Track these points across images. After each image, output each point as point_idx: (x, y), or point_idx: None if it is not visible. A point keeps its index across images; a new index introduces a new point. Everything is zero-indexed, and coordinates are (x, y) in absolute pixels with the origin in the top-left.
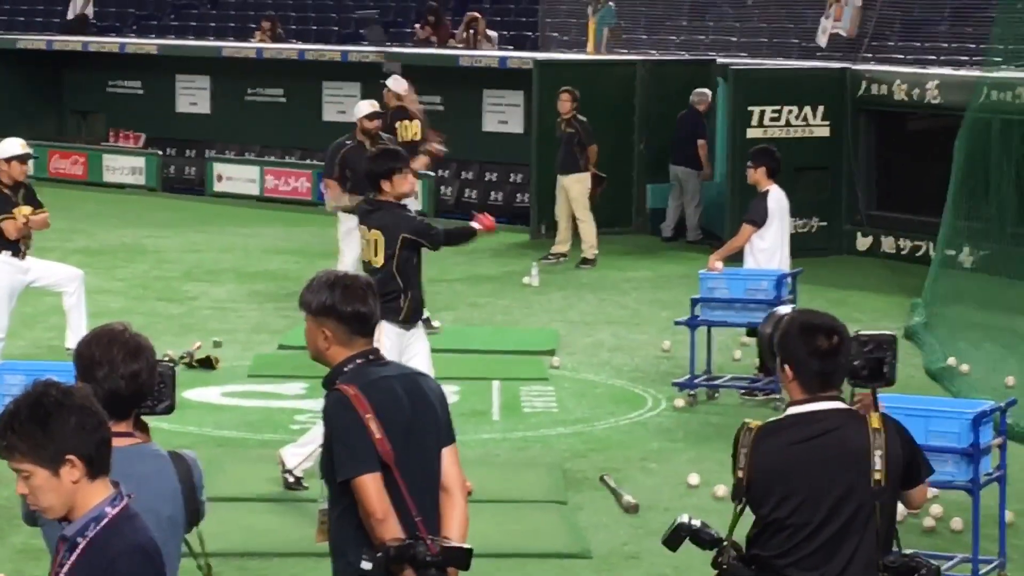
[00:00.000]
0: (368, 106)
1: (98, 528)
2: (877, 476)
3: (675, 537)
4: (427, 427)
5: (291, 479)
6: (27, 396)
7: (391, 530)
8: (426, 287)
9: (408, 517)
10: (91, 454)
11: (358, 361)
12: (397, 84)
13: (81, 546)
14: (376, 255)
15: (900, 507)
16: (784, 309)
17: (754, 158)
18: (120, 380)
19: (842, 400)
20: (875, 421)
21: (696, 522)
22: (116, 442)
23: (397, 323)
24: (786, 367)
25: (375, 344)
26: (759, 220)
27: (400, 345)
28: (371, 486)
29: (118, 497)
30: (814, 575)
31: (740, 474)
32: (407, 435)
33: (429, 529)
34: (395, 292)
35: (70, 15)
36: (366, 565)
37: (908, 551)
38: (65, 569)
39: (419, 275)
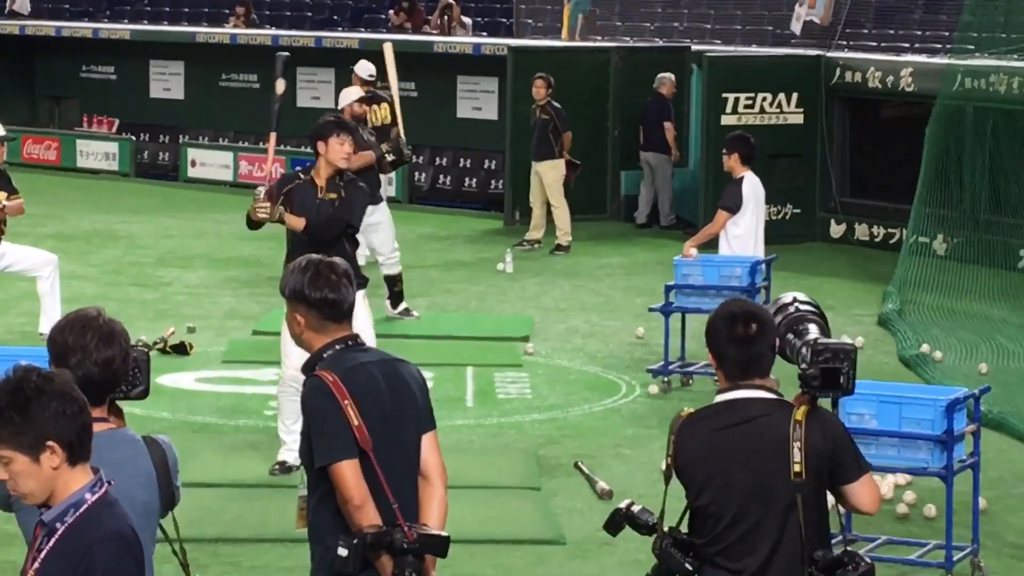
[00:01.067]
0: (356, 92)
1: (77, 514)
2: (796, 468)
3: (612, 522)
4: (406, 414)
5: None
6: (7, 382)
7: (368, 517)
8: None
9: (386, 504)
10: (71, 440)
11: (337, 347)
12: (364, 69)
13: (59, 532)
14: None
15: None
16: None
17: (729, 145)
18: (94, 366)
19: (769, 390)
20: (799, 413)
21: (635, 507)
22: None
23: None
24: (711, 356)
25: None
26: (734, 207)
27: None
28: (349, 472)
29: (98, 483)
30: (738, 565)
31: (668, 460)
32: (386, 422)
33: (407, 516)
34: None
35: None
36: (342, 551)
37: (849, 547)
38: (43, 555)
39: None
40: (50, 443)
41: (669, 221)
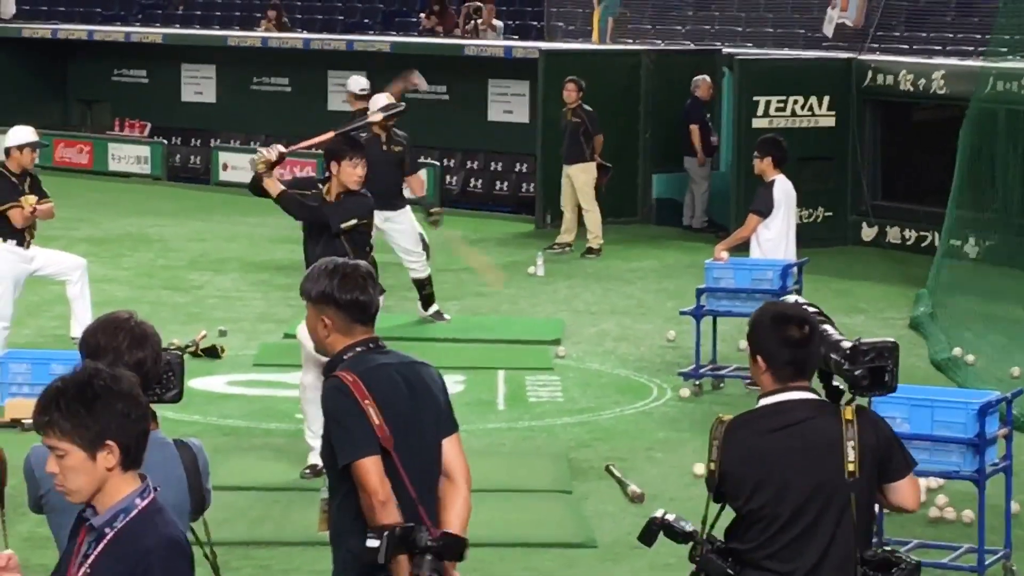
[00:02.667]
0: (384, 99)
1: (127, 520)
2: (851, 467)
3: (648, 532)
4: (427, 416)
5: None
6: (76, 376)
7: (392, 514)
8: (432, 276)
9: (409, 502)
10: (129, 444)
11: (358, 349)
12: (355, 84)
13: (108, 537)
14: None
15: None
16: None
17: (760, 148)
18: (125, 368)
19: (813, 391)
20: (848, 413)
21: (670, 516)
22: None
23: None
24: (758, 358)
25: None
26: (765, 210)
27: None
28: (372, 469)
29: (147, 490)
30: (789, 567)
31: (712, 466)
32: (405, 424)
33: (413, 516)
34: None
35: None
36: (372, 543)
37: (888, 547)
38: (91, 560)
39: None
40: (109, 442)
41: (700, 224)
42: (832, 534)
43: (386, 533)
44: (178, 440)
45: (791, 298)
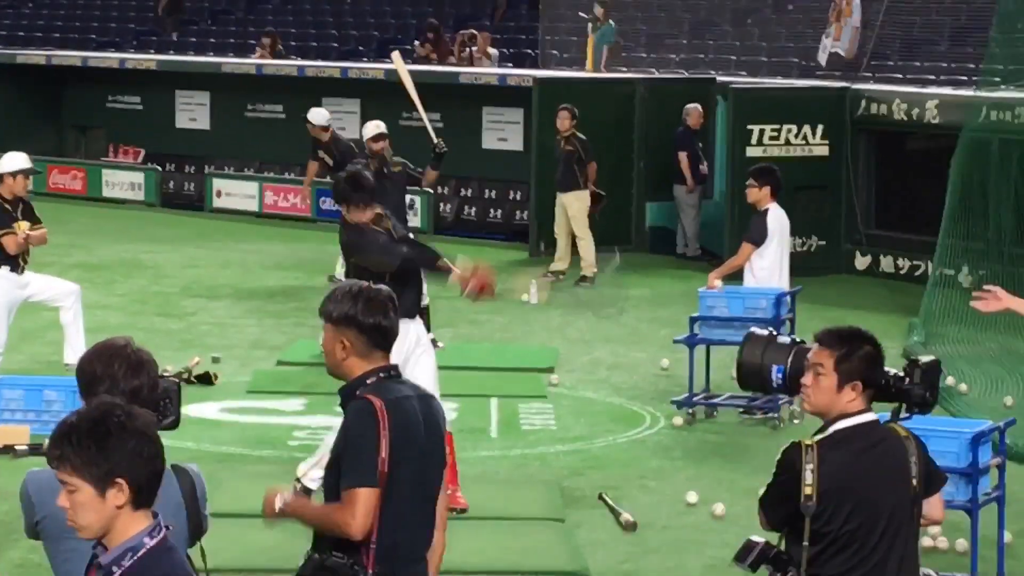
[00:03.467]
0: (373, 127)
1: (135, 558)
2: (915, 483)
3: (756, 560)
4: (436, 452)
5: (298, 486)
6: (90, 411)
7: (346, 548)
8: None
9: (367, 541)
10: (140, 482)
11: (380, 375)
12: (318, 116)
13: (116, 575)
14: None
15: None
16: (759, 330)
17: (755, 176)
18: (122, 395)
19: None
20: (901, 429)
21: (773, 549)
22: None
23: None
24: (859, 384)
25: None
26: (759, 239)
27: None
28: (366, 501)
29: (157, 528)
30: None
31: (808, 491)
32: (419, 459)
33: (421, 550)
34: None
35: None
36: (304, 557)
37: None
38: None
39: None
40: (119, 480)
41: (694, 252)
42: (903, 550)
43: (316, 556)
44: (176, 465)
45: (764, 332)
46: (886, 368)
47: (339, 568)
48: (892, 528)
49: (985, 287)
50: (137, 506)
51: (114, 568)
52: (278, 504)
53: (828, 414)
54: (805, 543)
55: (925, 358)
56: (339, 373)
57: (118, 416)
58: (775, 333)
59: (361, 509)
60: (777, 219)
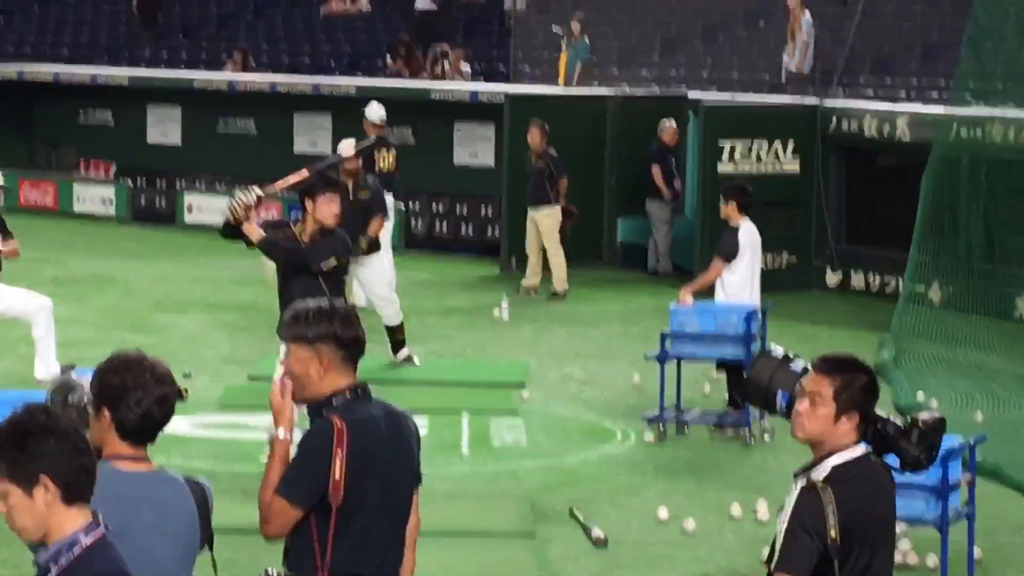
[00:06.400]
0: (349, 148)
1: (71, 556)
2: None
3: None
4: (404, 471)
5: None
6: (12, 416)
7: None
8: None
9: (322, 561)
10: (67, 478)
11: (347, 395)
12: (375, 113)
13: (52, 574)
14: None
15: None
16: (778, 349)
17: (726, 193)
18: (154, 404)
19: None
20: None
21: None
22: (138, 467)
23: None
24: (856, 415)
25: None
26: (730, 255)
27: None
28: (285, 514)
29: (93, 526)
30: None
31: (833, 533)
32: (384, 478)
33: (392, 569)
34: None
35: None
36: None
37: None
38: None
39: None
40: (43, 478)
41: (665, 270)
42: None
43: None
44: (188, 478)
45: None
46: (888, 417)
47: None
48: (892, 560)
49: None
50: (69, 502)
51: (51, 565)
52: (281, 427)
53: (820, 443)
54: None
55: (928, 417)
56: (312, 395)
57: (38, 418)
58: (790, 356)
59: (280, 520)
60: (749, 234)
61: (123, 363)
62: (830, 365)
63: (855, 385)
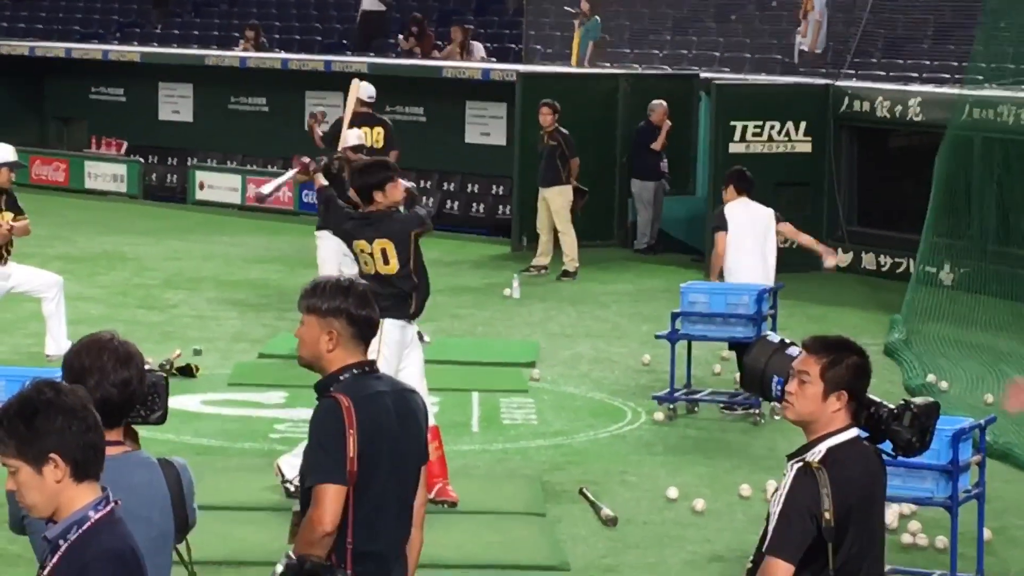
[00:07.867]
0: (355, 137)
1: (80, 532)
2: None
3: None
4: (411, 448)
5: (291, 488)
6: (21, 393)
7: (321, 548)
8: None
9: (343, 541)
10: (76, 456)
11: (355, 371)
12: (365, 91)
13: (62, 549)
14: (388, 263)
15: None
16: (773, 336)
17: (725, 178)
18: (112, 387)
19: None
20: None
21: None
22: (108, 451)
23: (405, 318)
24: (844, 394)
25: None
26: (720, 225)
27: (404, 339)
28: (333, 496)
29: (103, 501)
30: None
31: (828, 516)
32: (392, 455)
33: (398, 547)
34: (410, 289)
35: None
36: (279, 568)
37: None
38: (46, 572)
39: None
40: (53, 456)
41: (643, 244)
42: (880, 562)
43: (294, 562)
44: (162, 459)
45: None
46: (881, 401)
47: (319, 571)
48: (881, 543)
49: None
50: (79, 479)
51: (60, 542)
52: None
53: (810, 424)
54: (830, 569)
55: (921, 401)
56: (319, 366)
57: (46, 394)
58: (787, 341)
59: (329, 505)
60: (742, 212)
61: (87, 345)
62: (819, 344)
63: (843, 364)
